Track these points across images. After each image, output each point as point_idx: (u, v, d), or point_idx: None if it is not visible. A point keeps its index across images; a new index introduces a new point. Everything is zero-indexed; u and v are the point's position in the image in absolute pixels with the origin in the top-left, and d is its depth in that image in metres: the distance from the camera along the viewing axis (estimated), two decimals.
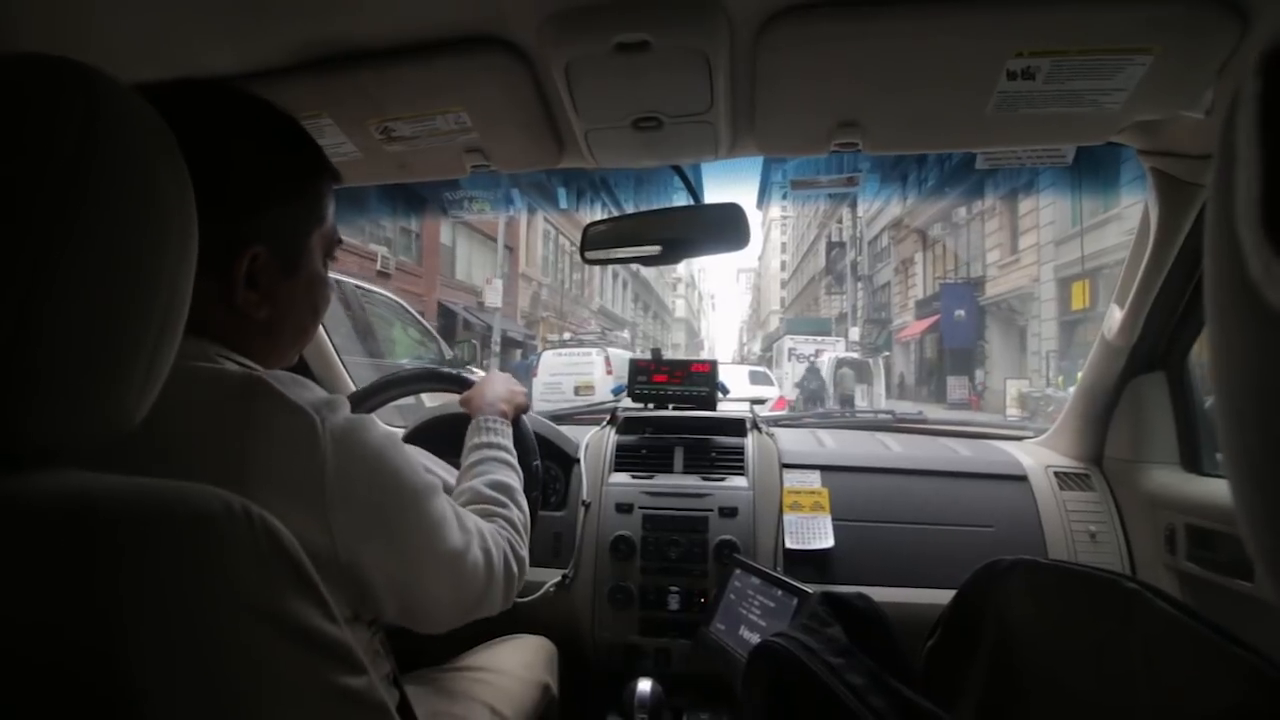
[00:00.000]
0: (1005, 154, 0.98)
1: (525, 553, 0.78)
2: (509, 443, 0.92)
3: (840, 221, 25.21)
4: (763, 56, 0.75)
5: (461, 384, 1.16)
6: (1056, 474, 1.28)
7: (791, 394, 14.13)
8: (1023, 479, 1.28)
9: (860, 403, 12.41)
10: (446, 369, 1.18)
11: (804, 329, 20.48)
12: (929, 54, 0.73)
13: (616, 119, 0.85)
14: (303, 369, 1.34)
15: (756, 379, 11.80)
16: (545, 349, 12.02)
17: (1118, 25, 0.68)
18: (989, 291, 15.85)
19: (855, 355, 15.27)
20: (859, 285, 23.16)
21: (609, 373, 9.76)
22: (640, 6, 0.68)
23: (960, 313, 15.92)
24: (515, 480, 0.86)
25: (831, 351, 15.44)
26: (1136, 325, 1.12)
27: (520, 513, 0.82)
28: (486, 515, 0.77)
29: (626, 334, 24.84)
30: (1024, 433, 1.55)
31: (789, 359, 16.33)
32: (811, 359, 15.39)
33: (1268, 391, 0.18)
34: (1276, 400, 0.18)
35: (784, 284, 44.70)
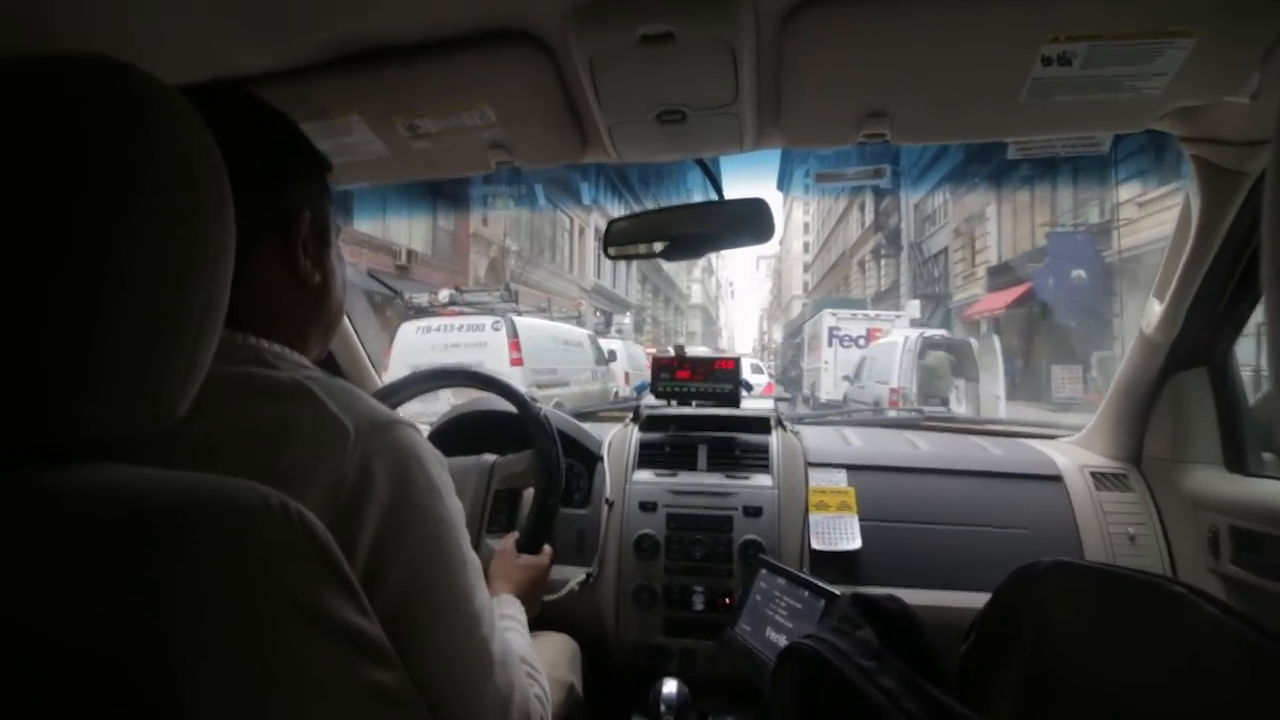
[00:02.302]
0: (1038, 142, 0.95)
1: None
2: (521, 616, 0.86)
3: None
4: (789, 46, 0.74)
5: (486, 382, 1.16)
6: (1093, 474, 1.24)
7: (837, 390, 11.39)
8: (1057, 479, 1.24)
9: (959, 408, 8.06)
10: (473, 368, 1.18)
11: (841, 307, 15.53)
12: (960, 41, 0.71)
13: (640, 112, 0.84)
14: (331, 365, 1.36)
15: (754, 370, 13.72)
16: (406, 319, 6.76)
17: (1157, 8, 0.66)
18: (1124, 242, 10.35)
19: (944, 333, 10.29)
20: (902, 256, 18.98)
21: (517, 362, 6.04)
22: None
23: (1079, 273, 10.78)
24: (531, 652, 0.77)
25: (891, 329, 11.20)
26: (1177, 319, 1.08)
27: (543, 690, 0.71)
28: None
29: (629, 319, 20.92)
30: (1058, 431, 1.51)
31: (829, 342, 12.52)
32: (860, 341, 12.03)
33: None
34: None
35: (807, 267, 42.14)
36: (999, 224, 14.33)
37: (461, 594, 0.54)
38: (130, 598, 0.31)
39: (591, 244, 20.64)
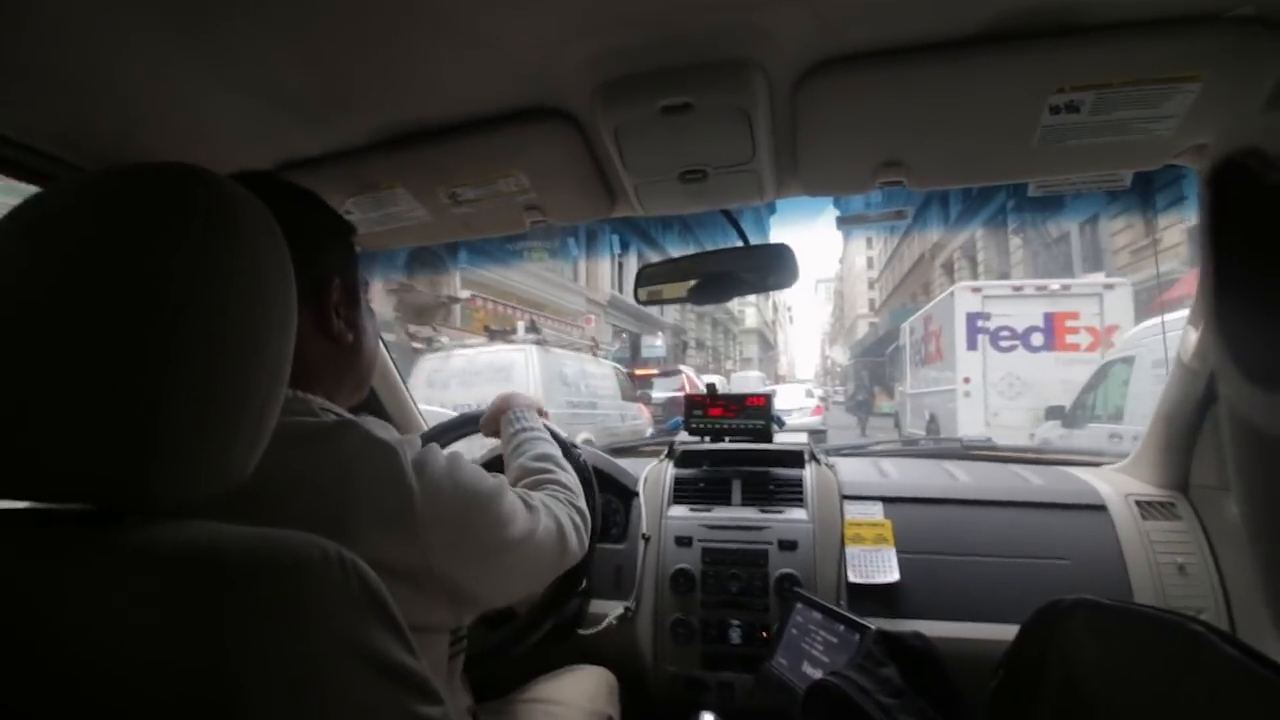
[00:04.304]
0: (1058, 181, 0.97)
1: (584, 504, 0.87)
2: (539, 425, 1.01)
3: None
4: (802, 108, 0.79)
5: None
6: (1138, 503, 1.21)
7: (1008, 431, 6.49)
8: (1101, 509, 1.22)
9: None
10: (473, 411, 1.22)
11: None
12: (969, 95, 0.75)
13: (663, 173, 0.90)
14: (377, 409, 1.44)
15: (806, 394, 13.56)
16: None
17: (1160, 55, 0.68)
18: None
19: None
20: (1016, 239, 13.35)
21: None
22: (682, 72, 0.73)
23: None
24: (555, 450, 0.94)
25: (1099, 312, 6.89)
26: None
27: (568, 474, 0.90)
28: (537, 485, 0.85)
29: (661, 341, 18.37)
30: (1102, 459, 1.48)
31: (972, 343, 7.32)
32: (1031, 339, 7.07)
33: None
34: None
35: (873, 283, 39.03)
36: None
37: (504, 522, 0.68)
38: (205, 645, 0.35)
39: (610, 254, 16.92)
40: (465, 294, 10.42)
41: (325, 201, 0.72)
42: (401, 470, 0.58)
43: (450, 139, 0.85)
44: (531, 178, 0.92)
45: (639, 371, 11.53)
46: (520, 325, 7.92)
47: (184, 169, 0.43)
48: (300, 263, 0.64)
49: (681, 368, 11.79)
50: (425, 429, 1.46)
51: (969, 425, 7.15)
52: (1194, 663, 0.47)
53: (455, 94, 0.78)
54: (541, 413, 1.11)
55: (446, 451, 0.67)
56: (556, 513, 0.78)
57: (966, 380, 7.40)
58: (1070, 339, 7.01)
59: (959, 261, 17.52)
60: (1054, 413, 5.54)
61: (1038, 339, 7.19)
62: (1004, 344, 7.31)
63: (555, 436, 1.14)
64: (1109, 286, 7.28)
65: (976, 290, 7.66)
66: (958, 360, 7.51)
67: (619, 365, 9.54)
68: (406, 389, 1.51)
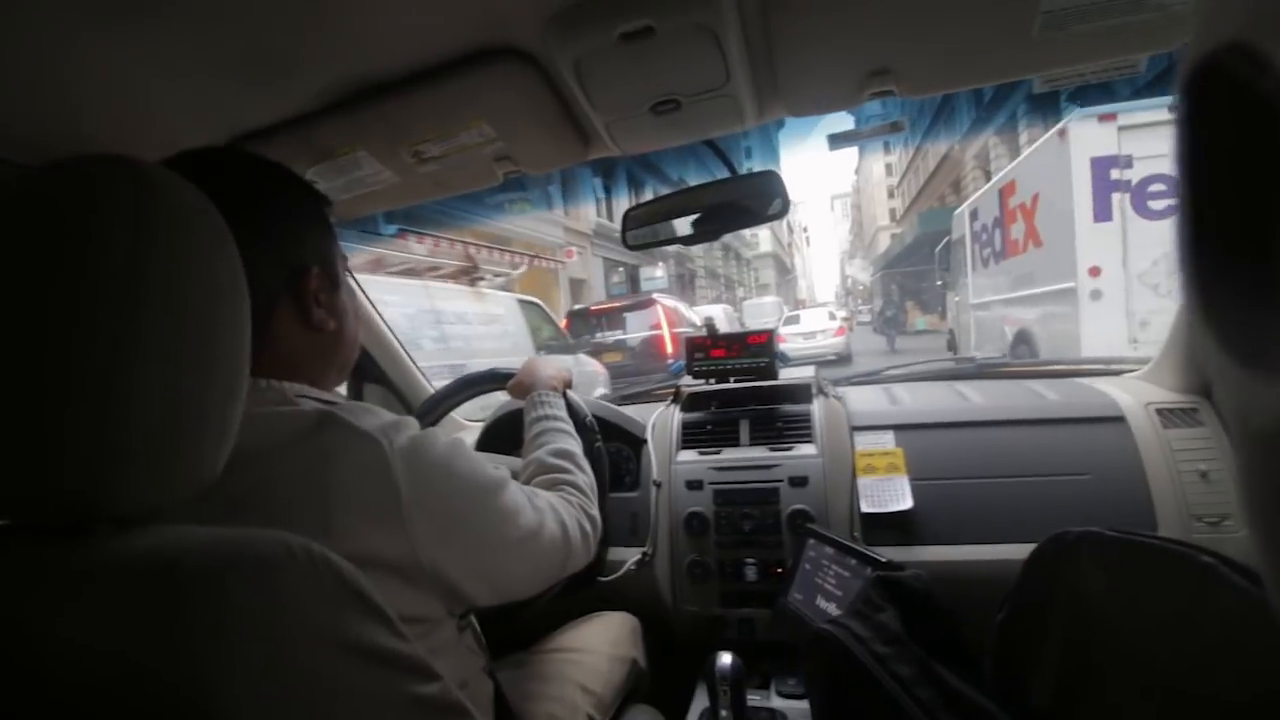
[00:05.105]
0: (1066, 74, 0.89)
1: (596, 511, 0.85)
2: (564, 413, 0.99)
3: None
4: (776, 20, 0.72)
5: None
6: (1159, 411, 1.17)
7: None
8: (1119, 420, 1.18)
9: None
10: (504, 369, 1.21)
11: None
12: None
13: (634, 107, 0.84)
14: (380, 379, 1.44)
15: (832, 316, 14.21)
16: None
17: None
18: None
19: None
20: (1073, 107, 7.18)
21: None
22: None
23: None
24: (576, 446, 0.92)
25: None
26: None
27: (585, 475, 0.88)
28: (553, 484, 0.83)
29: (661, 271, 16.28)
30: (1124, 367, 1.43)
31: (1104, 210, 4.50)
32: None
33: None
34: None
35: (893, 190, 36.61)
36: None
37: (502, 519, 0.66)
38: (174, 652, 0.34)
39: (592, 173, 14.41)
40: (390, 229, 6.57)
41: (304, 182, 0.68)
42: (385, 461, 0.55)
43: (404, 92, 0.79)
44: (496, 126, 0.86)
45: (595, 307, 8.97)
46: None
47: (109, 162, 0.40)
48: (278, 253, 0.62)
49: (655, 295, 9.05)
50: (431, 390, 1.45)
51: (1102, 342, 4.47)
52: (1201, 594, 0.45)
53: (399, 41, 0.72)
54: (568, 385, 1.09)
55: (449, 439, 0.64)
56: (564, 516, 0.76)
57: (1094, 272, 4.61)
58: None
59: (996, 149, 13.95)
60: None
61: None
62: (1158, 205, 4.37)
63: (572, 410, 1.08)
64: None
65: (1108, 120, 4.54)
66: (1079, 241, 4.63)
67: (538, 301, 7.03)
68: (408, 355, 1.50)
